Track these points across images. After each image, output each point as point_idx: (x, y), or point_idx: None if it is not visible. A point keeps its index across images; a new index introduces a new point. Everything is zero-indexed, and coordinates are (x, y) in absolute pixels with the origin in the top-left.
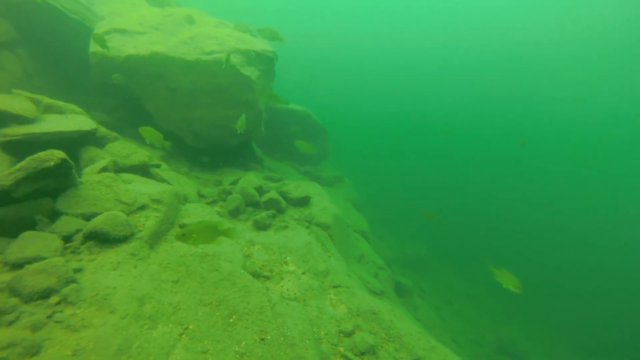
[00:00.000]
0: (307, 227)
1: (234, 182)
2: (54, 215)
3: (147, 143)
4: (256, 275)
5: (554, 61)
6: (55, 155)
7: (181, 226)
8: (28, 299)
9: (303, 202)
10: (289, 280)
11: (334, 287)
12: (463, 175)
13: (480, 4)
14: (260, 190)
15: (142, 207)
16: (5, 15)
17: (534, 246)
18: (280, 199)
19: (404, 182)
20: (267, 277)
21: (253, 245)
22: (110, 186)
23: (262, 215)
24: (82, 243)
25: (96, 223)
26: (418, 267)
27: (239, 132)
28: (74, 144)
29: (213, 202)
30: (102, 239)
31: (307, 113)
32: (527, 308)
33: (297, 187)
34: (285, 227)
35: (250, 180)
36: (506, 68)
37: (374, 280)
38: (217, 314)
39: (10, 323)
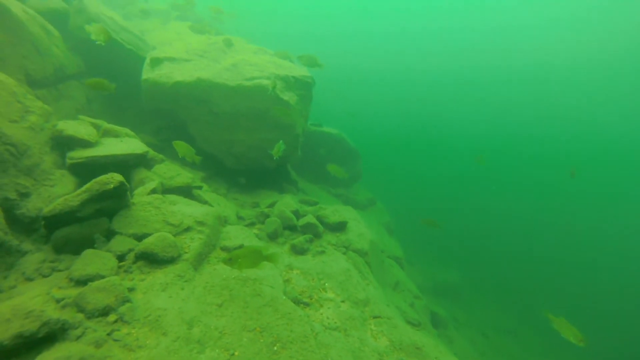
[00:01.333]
0: (344, 253)
1: (271, 205)
2: (110, 234)
3: (179, 156)
4: (296, 301)
5: (586, 82)
6: (115, 178)
7: (222, 248)
8: (90, 315)
9: (340, 227)
10: (329, 308)
11: (374, 317)
12: (496, 200)
13: (507, 25)
14: (297, 214)
15: (188, 229)
16: (78, 50)
17: (578, 279)
18: (317, 223)
19: (434, 206)
20: (306, 304)
21: (292, 269)
22: (158, 207)
23: (300, 239)
24: (134, 262)
25: (147, 244)
26: (450, 296)
27: (275, 158)
28: (127, 165)
29: (251, 224)
30: (152, 260)
31: (340, 136)
32: (577, 350)
33: (334, 211)
34: (323, 252)
35: (287, 203)
36: (539, 89)
37: (410, 310)
38: (261, 340)
39: (78, 338)
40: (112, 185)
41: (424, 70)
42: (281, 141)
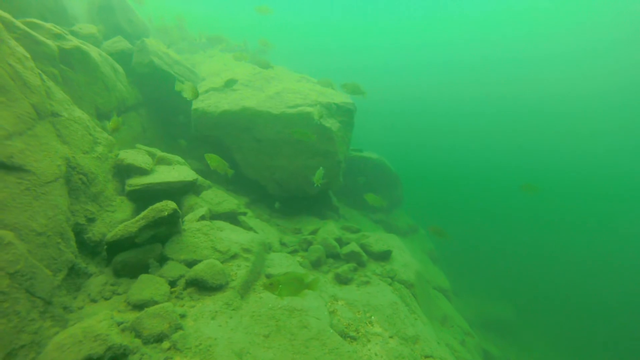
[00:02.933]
0: (390, 284)
1: (314, 232)
2: (162, 260)
3: (211, 168)
4: (343, 335)
5: None
6: (169, 205)
7: (267, 276)
8: (146, 341)
9: (384, 256)
10: (377, 344)
11: (426, 357)
12: (550, 232)
13: (554, 54)
14: (340, 242)
15: (234, 256)
16: (137, 83)
17: None
18: (361, 251)
19: (479, 234)
20: (353, 338)
21: (337, 300)
22: (207, 234)
23: (344, 268)
24: (185, 288)
25: (197, 271)
26: (503, 332)
27: (315, 185)
28: (178, 192)
29: (294, 252)
30: (202, 286)
31: (381, 160)
32: None
33: (378, 240)
34: (367, 282)
35: (329, 230)
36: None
37: (461, 348)
38: None
39: None
40: (166, 213)
41: (464, 100)
42: (321, 168)
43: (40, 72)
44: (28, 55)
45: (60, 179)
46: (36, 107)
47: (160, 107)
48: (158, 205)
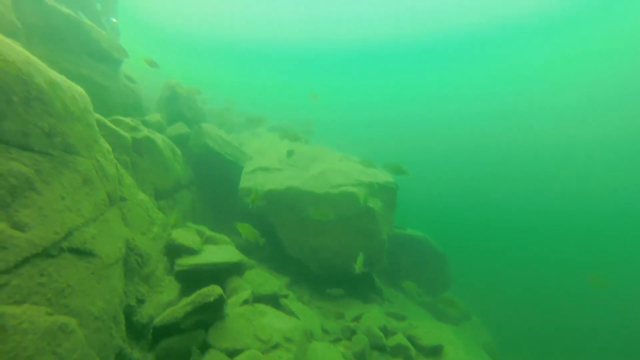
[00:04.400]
0: None
1: (357, 318)
2: (204, 347)
3: (243, 237)
4: None
5: None
6: (216, 291)
7: None
8: None
9: (435, 351)
10: None
11: None
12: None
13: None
14: (385, 331)
15: (276, 346)
16: (191, 162)
17: None
18: (409, 345)
19: (550, 322)
20: None
21: None
22: (250, 320)
23: None
24: None
25: None
26: None
27: (357, 272)
28: (223, 273)
29: (337, 340)
30: None
31: (425, 238)
32: None
33: (427, 331)
34: None
35: (374, 317)
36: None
37: None
38: None
39: None
40: (212, 298)
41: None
42: (360, 254)
43: (117, 161)
44: (110, 149)
45: (120, 261)
46: (110, 194)
47: (212, 184)
48: (205, 290)
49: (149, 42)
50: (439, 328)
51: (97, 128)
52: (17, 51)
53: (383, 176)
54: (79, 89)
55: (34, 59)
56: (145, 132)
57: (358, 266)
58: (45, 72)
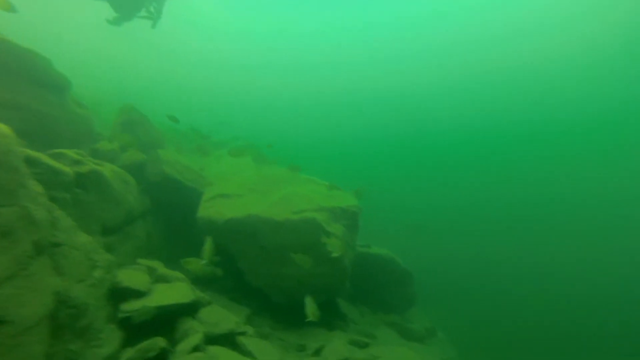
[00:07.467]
0: None
1: (318, 352)
2: None
3: (191, 272)
4: None
5: None
6: (158, 344)
7: None
8: None
9: None
10: None
11: None
12: None
13: None
14: None
15: None
16: (147, 191)
17: None
18: None
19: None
20: None
21: None
22: None
23: None
24: None
25: None
26: None
27: (308, 319)
28: (174, 314)
29: None
30: None
31: (390, 256)
32: None
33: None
34: None
35: (335, 350)
36: None
37: None
38: None
39: None
40: (154, 353)
41: None
42: (309, 297)
43: (55, 200)
44: (42, 191)
45: (45, 320)
46: (37, 243)
47: (171, 212)
48: (145, 344)
49: None
50: (403, 353)
51: (26, 169)
52: None
53: (347, 200)
54: (0, 129)
55: None
56: (90, 165)
57: (311, 313)
58: None
